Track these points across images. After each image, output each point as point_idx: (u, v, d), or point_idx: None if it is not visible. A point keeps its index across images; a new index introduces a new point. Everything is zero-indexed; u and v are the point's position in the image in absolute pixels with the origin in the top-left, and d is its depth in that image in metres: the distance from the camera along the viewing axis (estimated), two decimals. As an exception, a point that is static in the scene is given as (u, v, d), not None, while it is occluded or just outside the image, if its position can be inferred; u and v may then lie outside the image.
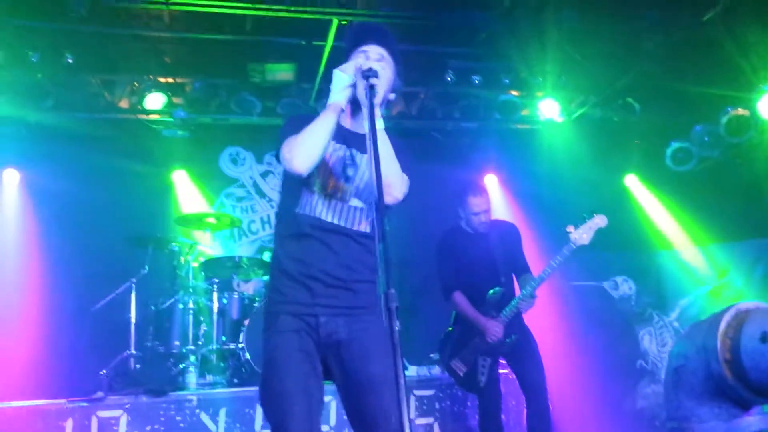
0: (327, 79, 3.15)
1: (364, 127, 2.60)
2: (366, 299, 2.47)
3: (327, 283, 2.43)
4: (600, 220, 4.21)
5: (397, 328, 1.94)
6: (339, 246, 2.45)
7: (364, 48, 2.55)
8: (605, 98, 6.54)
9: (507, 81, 6.34)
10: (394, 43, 2.61)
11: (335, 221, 2.47)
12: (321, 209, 2.47)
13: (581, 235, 4.17)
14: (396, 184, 2.42)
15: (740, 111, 6.22)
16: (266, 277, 5.77)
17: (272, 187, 7.27)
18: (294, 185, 2.50)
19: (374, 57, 2.53)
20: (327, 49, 5.63)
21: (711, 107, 6.40)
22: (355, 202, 2.50)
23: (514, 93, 6.51)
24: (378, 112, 2.35)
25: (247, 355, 5.18)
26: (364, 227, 2.51)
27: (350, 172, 2.51)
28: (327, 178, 2.47)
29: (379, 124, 2.37)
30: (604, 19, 5.43)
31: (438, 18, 5.53)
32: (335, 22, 5.30)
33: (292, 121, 2.57)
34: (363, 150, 2.55)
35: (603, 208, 4.30)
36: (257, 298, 5.64)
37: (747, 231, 6.66)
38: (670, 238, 7.30)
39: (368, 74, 2.32)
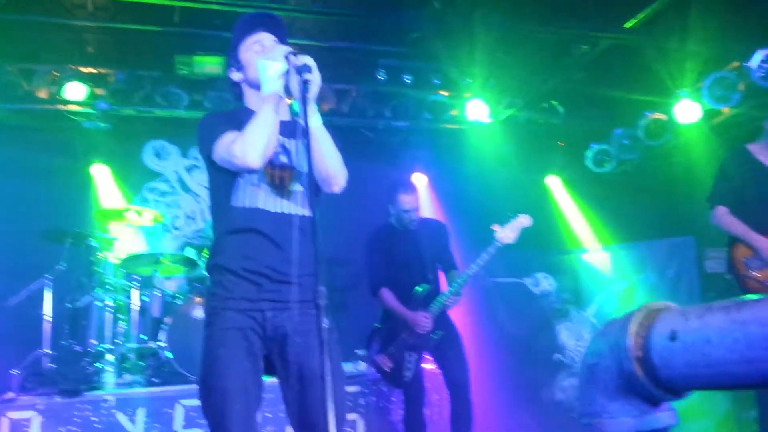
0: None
1: (288, 115, 2.59)
2: (310, 293, 2.43)
3: (273, 279, 2.40)
4: (525, 220, 4.34)
5: (325, 326, 1.94)
6: (283, 238, 2.41)
7: (258, 37, 2.55)
8: (530, 101, 6.70)
9: (437, 81, 6.40)
10: (286, 34, 2.62)
11: (278, 209, 2.44)
12: (262, 199, 2.44)
13: (506, 233, 4.29)
14: (340, 174, 2.46)
15: (658, 115, 6.51)
16: (190, 275, 5.65)
17: (198, 182, 7.09)
18: (227, 180, 2.45)
19: (269, 45, 2.53)
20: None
21: (630, 111, 6.67)
22: (296, 187, 2.49)
23: (444, 93, 6.59)
24: (314, 107, 2.33)
25: (168, 354, 5.06)
26: (308, 211, 2.48)
27: (284, 159, 2.49)
28: (265, 167, 2.44)
29: (318, 120, 2.37)
30: (532, 25, 5.56)
31: (370, 16, 5.54)
32: (266, 16, 5.24)
33: (212, 120, 2.54)
34: (290, 136, 2.54)
35: (526, 208, 4.42)
36: (179, 296, 5.50)
37: (662, 230, 6.97)
38: (587, 237, 7.57)
39: (303, 69, 2.28)
